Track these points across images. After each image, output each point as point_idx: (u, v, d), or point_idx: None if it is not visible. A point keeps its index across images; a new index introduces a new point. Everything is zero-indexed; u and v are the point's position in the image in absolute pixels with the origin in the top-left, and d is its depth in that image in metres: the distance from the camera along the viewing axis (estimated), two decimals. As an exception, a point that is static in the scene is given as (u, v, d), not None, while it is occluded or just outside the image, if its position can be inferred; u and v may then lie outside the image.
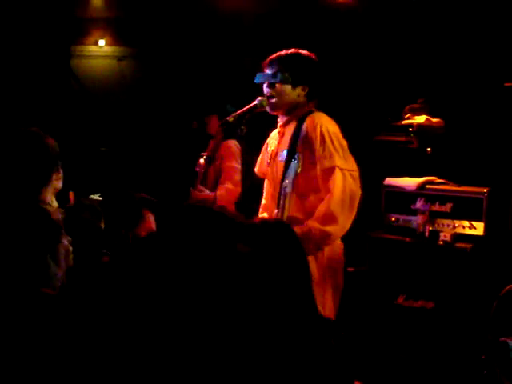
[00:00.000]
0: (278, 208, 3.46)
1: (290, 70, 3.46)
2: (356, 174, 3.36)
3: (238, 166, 4.85)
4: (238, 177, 4.82)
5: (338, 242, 3.50)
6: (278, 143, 3.61)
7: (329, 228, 3.26)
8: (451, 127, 5.38)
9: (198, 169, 4.96)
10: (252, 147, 4.73)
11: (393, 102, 5.70)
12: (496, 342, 3.99)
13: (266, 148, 3.77)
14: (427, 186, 4.89)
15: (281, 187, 3.47)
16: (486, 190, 4.62)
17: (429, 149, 5.28)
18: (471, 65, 5.58)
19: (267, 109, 3.54)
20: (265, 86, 3.54)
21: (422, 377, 4.36)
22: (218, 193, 4.79)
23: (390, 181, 5.07)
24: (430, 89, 5.65)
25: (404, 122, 5.38)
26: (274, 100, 3.50)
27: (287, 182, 3.28)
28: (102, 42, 7.29)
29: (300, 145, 3.42)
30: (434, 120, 5.37)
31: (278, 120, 3.65)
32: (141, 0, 6.84)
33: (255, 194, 4.01)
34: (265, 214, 3.76)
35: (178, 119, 6.44)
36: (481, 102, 5.46)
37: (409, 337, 4.62)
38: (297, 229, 3.11)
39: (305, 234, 3.21)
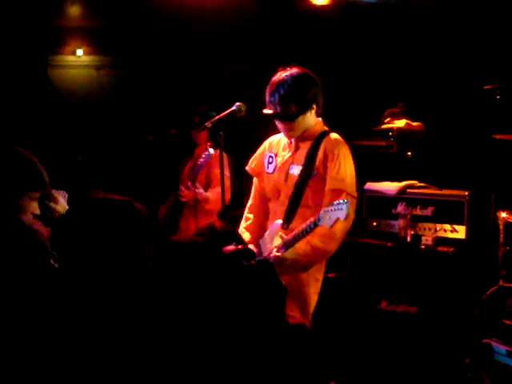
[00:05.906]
0: (284, 221, 3.49)
1: (294, 101, 3.47)
2: (355, 200, 3.48)
3: (227, 174, 4.85)
4: (227, 183, 4.82)
5: None
6: (292, 155, 3.60)
7: (330, 247, 3.41)
8: (431, 131, 5.37)
9: (188, 172, 4.94)
10: (231, 153, 4.71)
11: (372, 106, 5.68)
12: (479, 344, 3.97)
13: (270, 151, 3.74)
14: (408, 190, 4.88)
15: (291, 200, 3.52)
16: (467, 194, 4.62)
17: (409, 153, 5.26)
18: (451, 68, 5.58)
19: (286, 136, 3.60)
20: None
21: (406, 381, 4.33)
22: (212, 194, 4.79)
23: (370, 185, 5.05)
24: (409, 93, 5.64)
25: (384, 126, 5.36)
26: (291, 133, 3.56)
27: None
28: (79, 52, 7.23)
29: (318, 163, 3.48)
30: (414, 124, 5.35)
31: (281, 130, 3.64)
32: (118, 9, 6.79)
33: (237, 201, 3.99)
34: (251, 216, 3.75)
35: (157, 127, 6.40)
36: (461, 105, 5.45)
37: (392, 341, 4.59)
38: (299, 248, 3.32)
39: (307, 252, 3.35)
